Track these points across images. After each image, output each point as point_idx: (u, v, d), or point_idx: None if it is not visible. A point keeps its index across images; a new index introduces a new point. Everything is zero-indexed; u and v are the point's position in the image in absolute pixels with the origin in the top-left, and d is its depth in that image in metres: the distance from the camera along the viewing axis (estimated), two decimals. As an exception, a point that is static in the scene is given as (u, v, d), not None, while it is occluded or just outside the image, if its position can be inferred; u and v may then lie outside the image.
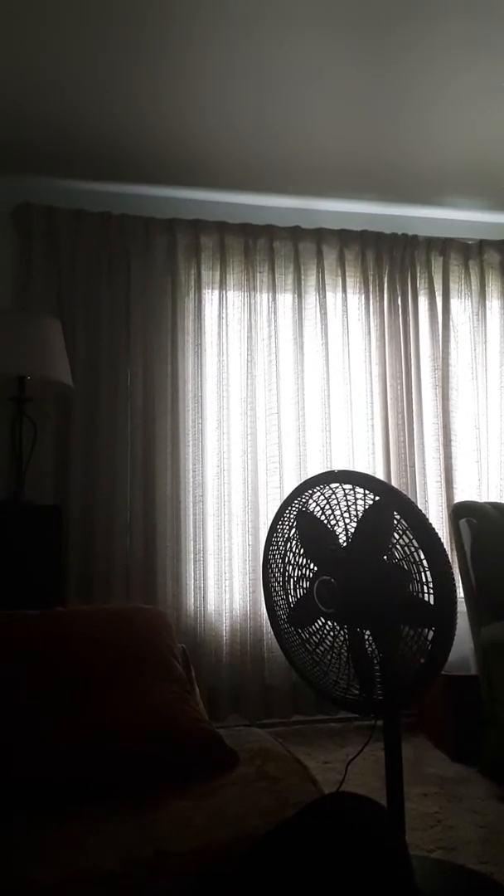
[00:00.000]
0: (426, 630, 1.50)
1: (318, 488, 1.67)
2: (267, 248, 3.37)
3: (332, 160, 3.13)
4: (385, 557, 1.56)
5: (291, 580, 1.76)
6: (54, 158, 3.05)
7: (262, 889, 1.05)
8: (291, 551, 1.75)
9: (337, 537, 1.64)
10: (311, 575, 1.69)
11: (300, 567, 1.73)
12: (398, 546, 1.53)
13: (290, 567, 1.76)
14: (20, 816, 1.32)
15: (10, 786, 1.40)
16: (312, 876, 1.02)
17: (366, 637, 1.61)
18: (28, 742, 1.50)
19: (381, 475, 3.32)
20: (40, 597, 2.37)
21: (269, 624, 1.92)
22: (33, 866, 1.14)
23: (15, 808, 1.34)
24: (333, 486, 1.64)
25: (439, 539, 1.48)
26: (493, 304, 3.61)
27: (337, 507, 1.63)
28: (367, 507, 1.57)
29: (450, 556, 1.72)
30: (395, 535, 1.53)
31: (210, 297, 3.32)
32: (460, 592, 2.65)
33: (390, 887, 1.01)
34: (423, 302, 3.52)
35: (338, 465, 3.28)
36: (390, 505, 1.53)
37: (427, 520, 1.50)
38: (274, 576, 1.81)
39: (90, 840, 1.22)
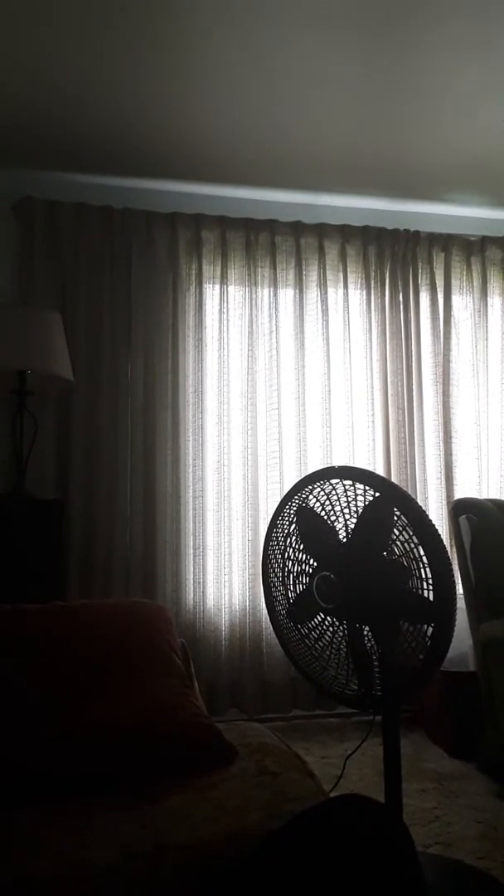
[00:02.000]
0: (425, 626, 1.50)
1: (318, 484, 1.68)
2: (268, 244, 3.36)
3: (335, 156, 3.12)
4: (385, 553, 1.56)
5: (291, 576, 1.76)
6: (56, 152, 3.05)
7: (264, 886, 1.05)
8: (291, 547, 1.75)
9: (337, 533, 1.64)
10: (310, 570, 1.69)
11: (300, 562, 1.73)
12: (398, 542, 1.53)
13: (290, 562, 1.76)
14: (20, 810, 1.32)
15: (9, 780, 1.40)
16: (319, 878, 1.02)
17: (365, 633, 1.62)
18: (28, 736, 1.50)
19: (381, 471, 3.32)
20: (40, 591, 2.38)
21: (268, 619, 1.92)
22: (34, 859, 1.14)
23: (15, 802, 1.35)
24: (333, 481, 1.64)
25: (439, 535, 1.48)
26: (494, 300, 3.61)
27: (337, 503, 1.63)
28: (367, 503, 1.57)
29: (449, 553, 1.72)
30: (395, 531, 1.53)
31: (211, 292, 3.32)
32: (459, 589, 2.65)
33: (402, 891, 1.01)
34: (424, 298, 3.52)
35: (338, 461, 3.28)
36: (390, 501, 1.53)
37: (427, 516, 1.50)
38: (273, 571, 1.82)
39: (91, 833, 1.22)
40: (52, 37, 2.35)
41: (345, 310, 3.41)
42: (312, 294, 3.40)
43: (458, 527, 2.77)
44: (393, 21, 2.30)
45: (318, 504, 1.68)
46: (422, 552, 1.48)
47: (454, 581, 1.47)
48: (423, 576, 1.48)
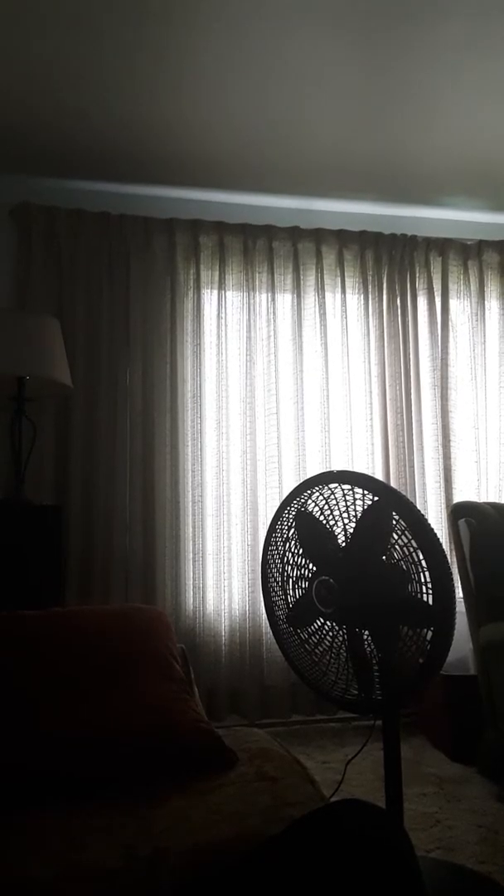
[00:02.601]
0: (425, 630, 1.50)
1: (316, 488, 1.68)
2: (266, 249, 3.37)
3: (332, 160, 3.13)
4: (384, 557, 1.56)
5: (290, 580, 1.76)
6: (54, 158, 3.06)
7: (263, 891, 1.05)
8: (290, 551, 1.75)
9: (336, 537, 1.64)
10: (309, 575, 1.69)
11: (299, 567, 1.73)
12: (397, 546, 1.53)
13: (289, 567, 1.76)
14: (19, 813, 1.32)
15: (8, 783, 1.40)
16: (318, 882, 1.02)
17: (365, 637, 1.62)
18: (28, 740, 1.50)
19: (380, 475, 3.33)
20: (39, 597, 2.37)
21: (267, 624, 1.92)
22: (32, 862, 1.14)
23: (14, 805, 1.35)
24: (332, 486, 1.64)
25: (438, 539, 1.48)
26: (491, 304, 3.62)
27: (336, 508, 1.63)
28: (365, 507, 1.57)
29: (449, 557, 1.72)
30: (394, 535, 1.53)
31: (209, 297, 3.32)
32: (459, 592, 2.65)
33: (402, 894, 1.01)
34: (422, 302, 3.53)
35: (337, 466, 3.28)
36: (389, 505, 1.53)
37: (426, 520, 1.50)
38: (273, 576, 1.81)
39: (89, 837, 1.22)
40: (49, 43, 2.36)
41: (342, 314, 3.42)
42: (310, 299, 3.40)
43: (457, 530, 2.77)
44: (389, 23, 2.31)
45: (316, 508, 1.68)
46: (421, 556, 1.48)
47: (453, 585, 1.47)
48: (423, 580, 1.48)
